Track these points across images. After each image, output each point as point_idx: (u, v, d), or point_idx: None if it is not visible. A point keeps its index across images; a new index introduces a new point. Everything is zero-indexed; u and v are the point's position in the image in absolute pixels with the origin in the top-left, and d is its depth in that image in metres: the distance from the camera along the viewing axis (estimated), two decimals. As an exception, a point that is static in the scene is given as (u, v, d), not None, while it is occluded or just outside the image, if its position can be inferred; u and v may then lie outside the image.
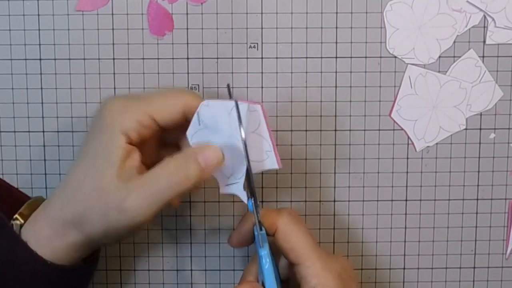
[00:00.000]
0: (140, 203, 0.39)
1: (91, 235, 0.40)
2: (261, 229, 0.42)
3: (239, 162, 0.41)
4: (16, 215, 0.42)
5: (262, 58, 0.48)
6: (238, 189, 0.42)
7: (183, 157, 0.40)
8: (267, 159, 0.41)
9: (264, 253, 0.41)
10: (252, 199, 0.41)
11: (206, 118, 0.41)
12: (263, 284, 0.41)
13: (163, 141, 0.44)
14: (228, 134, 0.40)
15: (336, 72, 0.48)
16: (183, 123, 0.42)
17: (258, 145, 0.41)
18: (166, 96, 0.41)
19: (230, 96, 0.42)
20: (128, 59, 0.48)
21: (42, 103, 0.48)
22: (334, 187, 0.49)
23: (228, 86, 0.43)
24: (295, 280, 0.42)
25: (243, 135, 0.39)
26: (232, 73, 0.48)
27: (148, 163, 0.41)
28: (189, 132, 0.41)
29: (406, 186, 0.49)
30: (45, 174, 0.49)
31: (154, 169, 0.40)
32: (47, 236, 0.40)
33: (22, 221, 0.42)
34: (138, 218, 0.39)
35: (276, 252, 0.43)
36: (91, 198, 0.39)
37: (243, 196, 0.42)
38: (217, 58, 0.48)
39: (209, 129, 0.41)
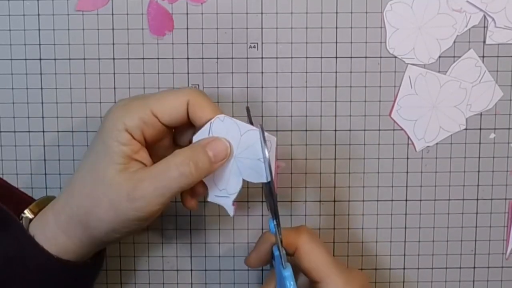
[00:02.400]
0: (151, 193, 0.39)
1: (96, 230, 0.40)
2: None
3: (236, 181, 0.41)
4: (26, 211, 0.43)
5: (262, 58, 0.48)
6: (226, 203, 0.42)
7: (192, 148, 0.40)
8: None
9: (288, 274, 0.40)
10: (275, 220, 0.41)
11: (217, 131, 0.41)
12: None
13: (175, 144, 0.44)
14: (234, 153, 0.41)
15: (336, 72, 0.48)
16: (191, 124, 0.42)
17: (259, 171, 0.41)
18: (168, 94, 0.41)
19: (250, 119, 0.43)
20: (128, 59, 0.48)
21: (42, 103, 0.48)
22: (334, 187, 0.49)
23: (247, 109, 0.44)
24: None
25: (267, 155, 0.39)
26: (232, 73, 0.48)
27: None
28: (196, 137, 0.41)
29: (406, 186, 0.49)
30: (45, 174, 0.49)
31: (163, 160, 0.40)
32: (53, 231, 0.41)
33: (32, 216, 0.42)
34: (147, 208, 0.39)
35: (295, 270, 0.42)
36: (96, 191, 0.39)
37: (230, 210, 0.42)
38: (217, 58, 0.48)
39: None
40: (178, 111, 0.41)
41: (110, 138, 0.40)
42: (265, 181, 0.41)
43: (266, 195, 0.42)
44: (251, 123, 0.42)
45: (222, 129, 0.41)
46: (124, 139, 0.40)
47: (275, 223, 0.41)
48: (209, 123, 0.41)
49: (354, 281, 0.42)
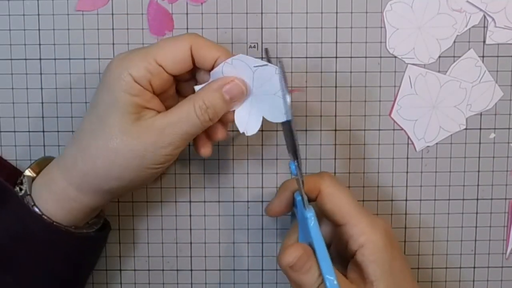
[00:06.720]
0: (176, 139, 0.40)
1: (118, 180, 0.40)
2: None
3: (255, 121, 0.42)
4: (27, 170, 0.43)
5: (262, 58, 0.48)
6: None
7: (209, 89, 0.41)
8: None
9: (310, 214, 0.40)
10: (296, 161, 0.40)
11: (228, 74, 0.41)
12: (309, 245, 0.40)
13: (180, 94, 0.45)
14: (250, 92, 0.41)
15: (336, 72, 0.48)
16: (193, 75, 0.42)
17: (278, 108, 0.41)
18: (169, 41, 0.41)
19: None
20: (128, 59, 0.48)
21: (42, 103, 0.48)
22: (334, 187, 0.49)
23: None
24: (340, 242, 0.42)
25: (288, 95, 0.39)
26: (232, 73, 0.48)
27: None
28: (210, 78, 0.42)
29: (406, 186, 0.49)
30: (45, 174, 0.49)
31: (181, 106, 0.40)
32: (62, 187, 0.41)
33: (34, 175, 0.42)
34: (175, 151, 0.40)
35: (317, 217, 0.42)
36: (112, 143, 0.39)
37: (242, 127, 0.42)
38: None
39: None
40: (183, 56, 0.41)
41: (118, 89, 0.39)
42: (285, 119, 0.40)
43: (286, 135, 0.42)
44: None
45: (232, 72, 0.41)
46: (134, 90, 0.40)
47: (296, 164, 0.40)
48: (220, 65, 0.41)
49: (379, 224, 0.41)
